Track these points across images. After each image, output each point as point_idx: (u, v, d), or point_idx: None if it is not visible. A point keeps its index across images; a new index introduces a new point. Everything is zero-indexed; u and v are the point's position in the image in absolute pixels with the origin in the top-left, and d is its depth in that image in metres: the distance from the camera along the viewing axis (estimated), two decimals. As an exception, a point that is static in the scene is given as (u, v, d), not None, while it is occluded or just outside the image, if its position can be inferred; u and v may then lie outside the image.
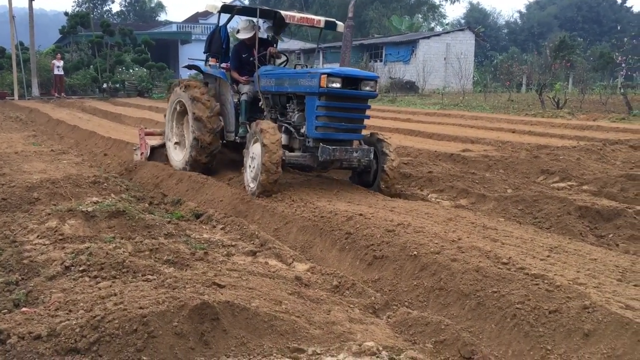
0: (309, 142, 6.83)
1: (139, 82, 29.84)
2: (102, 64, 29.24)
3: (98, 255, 4.02)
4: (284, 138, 6.91)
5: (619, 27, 56.45)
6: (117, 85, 29.76)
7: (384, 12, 53.24)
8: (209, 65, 8.35)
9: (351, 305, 3.75)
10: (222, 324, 2.96)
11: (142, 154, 9.16)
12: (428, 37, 39.45)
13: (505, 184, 7.54)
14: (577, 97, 23.21)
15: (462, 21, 67.65)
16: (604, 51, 32.62)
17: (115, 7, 73.80)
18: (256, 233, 5.37)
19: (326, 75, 6.40)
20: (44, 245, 4.49)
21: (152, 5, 73.09)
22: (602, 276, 3.95)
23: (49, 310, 3.11)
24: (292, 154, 6.87)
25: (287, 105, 7.33)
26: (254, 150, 6.66)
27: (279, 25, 8.29)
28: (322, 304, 3.63)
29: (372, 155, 6.95)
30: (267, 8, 8.25)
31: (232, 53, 8.26)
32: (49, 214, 5.11)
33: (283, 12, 7.72)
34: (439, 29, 54.78)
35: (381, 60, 39.73)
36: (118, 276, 3.79)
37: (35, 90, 27.48)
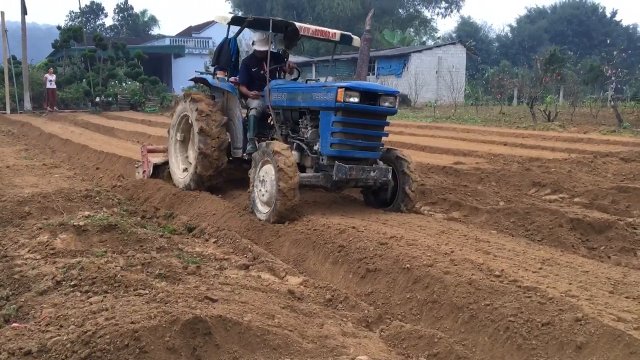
0: (322, 160, 6.46)
1: (131, 95, 29.82)
2: (94, 78, 29.25)
3: (89, 270, 3.99)
4: (295, 156, 6.53)
5: (608, 41, 56.96)
6: (110, 99, 29.72)
7: (376, 26, 53.61)
8: (217, 78, 7.94)
9: (344, 319, 3.74)
10: (215, 339, 2.95)
11: (144, 172, 8.78)
12: (420, 51, 39.72)
13: (497, 196, 7.57)
14: (568, 110, 23.39)
15: (454, 35, 68.16)
16: (594, 64, 32.88)
17: (108, 21, 73.84)
18: (249, 246, 5.35)
19: (344, 89, 6.03)
20: (35, 259, 4.46)
21: (145, 19, 73.26)
22: (594, 288, 3.97)
23: (40, 325, 3.09)
24: (304, 174, 6.45)
25: (300, 121, 6.96)
26: (265, 173, 6.27)
27: (291, 39, 7.95)
28: (315, 318, 3.62)
29: (390, 175, 6.48)
30: (280, 19, 7.78)
31: (242, 67, 7.94)
32: (40, 229, 5.08)
33: (297, 24, 7.38)
34: (430, 42, 55.21)
35: (373, 74, 39.94)
36: (109, 291, 3.76)
37: (28, 104, 27.41)
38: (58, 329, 3.00)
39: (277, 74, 7.85)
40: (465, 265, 4.28)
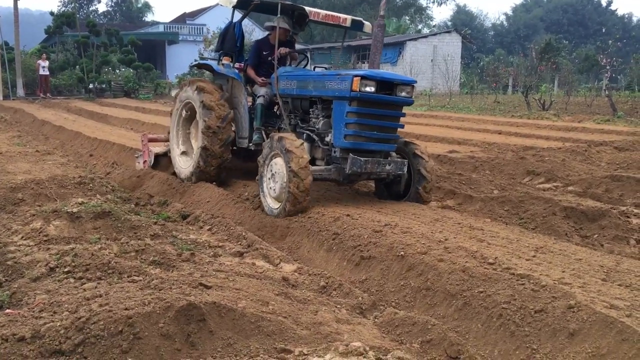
0: (335, 152, 6.16)
1: (125, 82, 29.63)
2: (88, 64, 29.05)
3: (83, 257, 3.98)
4: (305, 147, 6.12)
5: (603, 30, 57.09)
6: (104, 86, 29.56)
7: (371, 13, 53.37)
8: (222, 64, 7.55)
9: (338, 306, 3.75)
10: (209, 325, 2.95)
11: (145, 162, 8.43)
12: (415, 39, 39.68)
13: (491, 184, 7.59)
14: (563, 99, 23.44)
15: (449, 23, 68.02)
16: (589, 53, 32.97)
17: (102, 7, 73.25)
18: (243, 234, 5.35)
19: (359, 78, 5.74)
20: (29, 246, 4.44)
21: (139, 5, 72.69)
22: (587, 276, 3.98)
23: (33, 311, 3.08)
24: (315, 167, 6.12)
25: (310, 110, 6.65)
26: (275, 168, 5.98)
27: (299, 24, 7.62)
28: (309, 305, 3.62)
29: (405, 169, 6.21)
30: (288, 3, 7.33)
31: (253, 49, 7.56)
32: (34, 215, 5.05)
33: (307, 8, 7.08)
34: (426, 31, 55.06)
35: (368, 61, 39.80)
36: (103, 277, 3.75)
37: (20, 91, 27.22)
38: (52, 315, 2.99)
39: (285, 62, 7.52)
40: (459, 253, 4.29)
